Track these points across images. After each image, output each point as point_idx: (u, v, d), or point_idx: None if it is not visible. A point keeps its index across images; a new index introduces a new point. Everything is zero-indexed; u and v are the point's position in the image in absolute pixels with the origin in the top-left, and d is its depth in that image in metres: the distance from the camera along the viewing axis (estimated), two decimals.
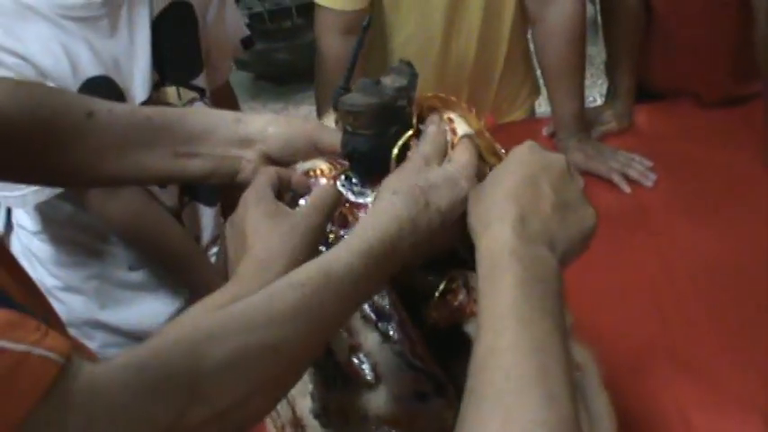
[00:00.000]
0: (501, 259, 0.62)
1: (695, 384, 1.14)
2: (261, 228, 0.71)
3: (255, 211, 0.73)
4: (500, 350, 0.57)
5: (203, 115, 0.86)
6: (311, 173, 0.80)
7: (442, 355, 0.80)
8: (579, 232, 0.68)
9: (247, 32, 1.59)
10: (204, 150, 0.82)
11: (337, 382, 0.79)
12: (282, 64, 3.92)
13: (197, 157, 0.82)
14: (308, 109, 3.75)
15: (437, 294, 0.77)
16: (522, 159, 0.69)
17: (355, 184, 0.78)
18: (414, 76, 0.78)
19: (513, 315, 0.58)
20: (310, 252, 0.69)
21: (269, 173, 0.77)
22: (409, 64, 0.80)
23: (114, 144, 0.80)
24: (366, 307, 0.77)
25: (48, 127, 0.79)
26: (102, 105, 0.81)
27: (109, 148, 0.80)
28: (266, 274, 0.68)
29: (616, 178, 1.60)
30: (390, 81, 0.77)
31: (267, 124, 0.82)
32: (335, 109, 0.77)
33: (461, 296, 0.77)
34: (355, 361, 0.78)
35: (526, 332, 0.57)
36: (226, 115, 0.84)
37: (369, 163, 0.76)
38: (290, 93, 4.04)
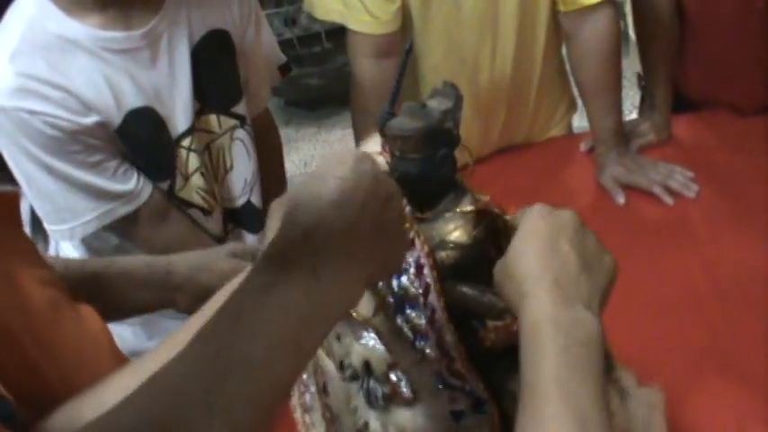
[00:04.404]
0: (541, 329, 0.63)
1: (752, 396, 1.12)
2: None
3: None
4: (543, 419, 0.58)
5: (138, 271, 1.09)
6: None
7: (488, 365, 0.80)
8: (607, 282, 0.69)
9: (284, 59, 1.61)
10: (145, 296, 1.08)
11: (379, 400, 0.80)
12: (314, 89, 3.93)
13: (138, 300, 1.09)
14: (340, 133, 3.77)
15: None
16: (536, 227, 0.70)
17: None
18: (459, 98, 0.78)
19: (555, 385, 0.59)
20: None
21: None
22: (453, 86, 0.80)
23: None
24: (404, 326, 0.77)
25: None
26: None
27: None
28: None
29: (658, 190, 1.59)
30: (436, 104, 0.77)
31: (193, 273, 1.07)
32: (382, 134, 0.78)
33: None
34: (393, 378, 0.78)
35: (569, 402, 0.58)
36: (157, 268, 1.09)
37: (419, 186, 0.76)
38: (322, 117, 4.05)
